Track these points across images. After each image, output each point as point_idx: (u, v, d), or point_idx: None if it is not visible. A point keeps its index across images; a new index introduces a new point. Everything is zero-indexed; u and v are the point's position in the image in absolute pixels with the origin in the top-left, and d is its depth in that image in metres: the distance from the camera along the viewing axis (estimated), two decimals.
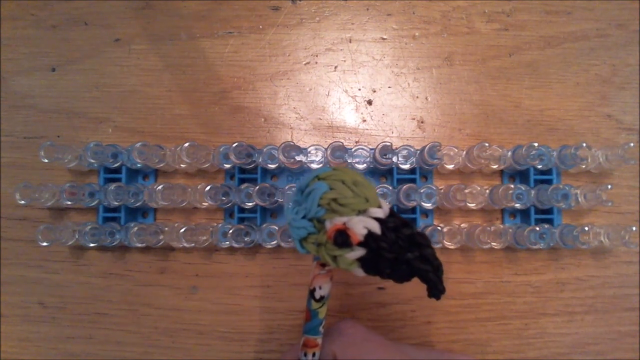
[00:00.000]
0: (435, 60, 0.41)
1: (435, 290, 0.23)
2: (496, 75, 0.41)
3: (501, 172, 0.39)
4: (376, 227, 0.23)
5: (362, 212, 0.23)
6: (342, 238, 0.23)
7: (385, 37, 0.41)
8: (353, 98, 0.40)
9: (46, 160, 0.35)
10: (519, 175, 0.39)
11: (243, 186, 0.36)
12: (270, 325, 0.38)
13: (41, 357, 0.38)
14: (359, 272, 0.24)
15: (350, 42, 0.41)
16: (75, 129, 0.40)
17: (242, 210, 0.38)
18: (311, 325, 0.27)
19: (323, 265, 0.26)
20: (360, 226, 0.23)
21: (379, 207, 0.24)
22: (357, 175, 0.24)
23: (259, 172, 0.37)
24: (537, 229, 0.35)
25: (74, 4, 0.41)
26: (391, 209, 0.24)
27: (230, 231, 0.36)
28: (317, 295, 0.26)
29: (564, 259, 0.38)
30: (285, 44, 0.41)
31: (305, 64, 0.41)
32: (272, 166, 0.37)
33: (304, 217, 0.24)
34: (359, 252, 0.23)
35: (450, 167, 0.37)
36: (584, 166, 0.37)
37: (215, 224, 0.36)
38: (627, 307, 0.38)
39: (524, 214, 0.38)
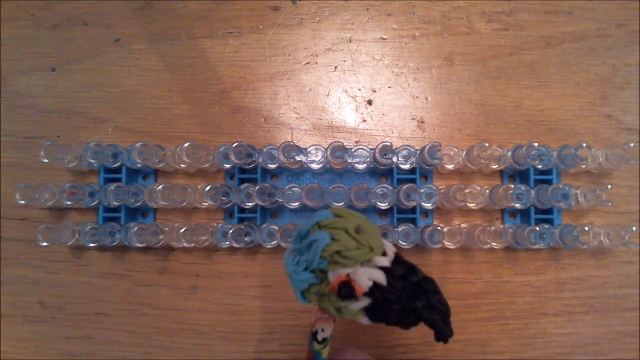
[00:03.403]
0: (435, 60, 0.41)
1: (444, 335, 0.23)
2: (496, 75, 0.41)
3: (501, 172, 0.39)
4: (382, 278, 0.22)
5: (366, 261, 0.23)
6: (347, 290, 0.22)
7: (385, 37, 0.41)
8: (353, 98, 0.40)
9: (46, 160, 0.35)
10: (519, 175, 0.39)
11: (243, 186, 0.36)
12: (270, 325, 0.38)
13: (41, 357, 0.38)
14: (365, 321, 0.23)
15: (350, 42, 0.41)
16: (75, 129, 0.40)
17: (242, 210, 0.38)
18: None
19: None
20: (365, 278, 0.22)
21: (384, 254, 0.23)
22: (360, 220, 0.23)
23: (259, 172, 0.37)
24: (537, 229, 0.35)
25: (74, 4, 0.41)
26: (396, 254, 0.24)
27: (230, 231, 0.36)
28: (320, 337, 0.25)
29: (564, 259, 0.38)
30: (285, 44, 0.41)
31: (305, 64, 0.41)
32: (272, 166, 0.37)
33: (305, 269, 0.23)
34: (364, 302, 0.22)
35: (450, 167, 0.37)
36: (584, 166, 0.37)
37: (215, 224, 0.36)
38: (627, 307, 0.38)
39: (524, 214, 0.38)
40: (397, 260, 0.23)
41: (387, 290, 0.22)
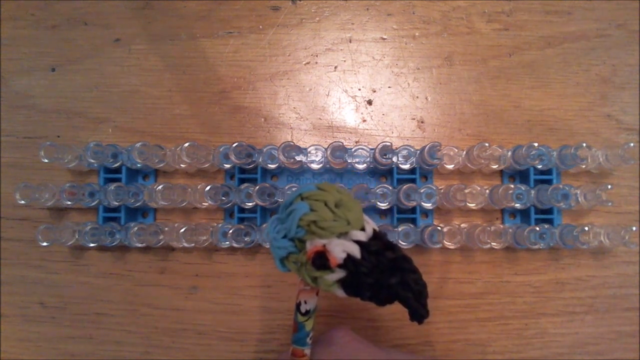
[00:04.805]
0: (435, 60, 0.41)
1: (417, 315, 0.23)
2: (496, 75, 0.41)
3: (501, 172, 0.39)
4: (356, 251, 0.23)
5: (343, 234, 0.23)
6: (321, 261, 0.22)
7: (385, 37, 0.41)
8: (353, 98, 0.40)
9: (46, 160, 0.35)
10: (519, 175, 0.39)
11: (243, 186, 0.36)
12: (270, 325, 0.38)
13: (41, 357, 0.38)
14: (340, 293, 0.23)
15: (350, 42, 0.41)
16: (75, 129, 0.40)
17: (242, 210, 0.38)
18: (298, 336, 0.27)
19: None
20: (339, 249, 0.22)
21: (362, 229, 0.23)
22: (342, 195, 0.24)
23: (259, 172, 0.37)
24: (537, 229, 0.35)
25: (74, 4, 0.41)
26: (376, 231, 0.24)
27: (230, 231, 0.36)
28: (303, 309, 0.26)
29: (564, 259, 0.38)
30: (285, 44, 0.41)
31: (305, 64, 0.41)
32: (272, 166, 0.37)
33: (284, 237, 0.24)
34: (339, 274, 0.23)
35: (450, 167, 0.37)
36: (584, 166, 0.37)
37: (215, 224, 0.36)
38: (627, 307, 0.38)
39: (524, 214, 0.38)
40: (376, 236, 0.24)
41: (360, 263, 0.22)
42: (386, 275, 0.23)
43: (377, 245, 0.23)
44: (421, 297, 0.23)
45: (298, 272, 0.24)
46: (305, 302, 0.26)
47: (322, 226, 0.23)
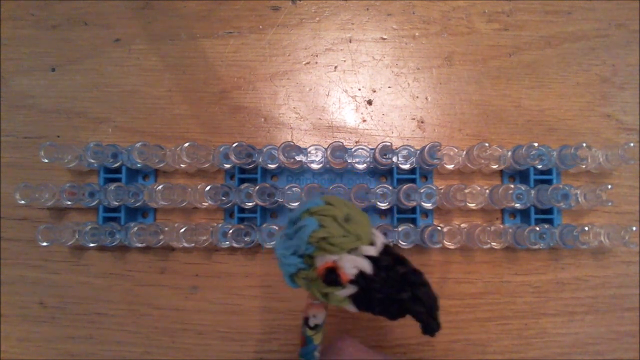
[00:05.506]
0: (435, 60, 0.41)
1: (429, 328, 0.23)
2: (496, 75, 0.41)
3: (501, 172, 0.39)
4: (367, 267, 0.22)
5: (354, 249, 0.23)
6: (332, 277, 0.22)
7: (385, 37, 0.41)
8: (353, 98, 0.40)
9: (46, 160, 0.35)
10: (519, 175, 0.39)
11: (243, 186, 0.36)
12: (270, 325, 0.38)
13: (41, 357, 0.38)
14: (351, 308, 0.23)
15: (350, 42, 0.41)
16: (75, 129, 0.40)
17: (242, 210, 0.38)
18: (306, 350, 0.26)
19: None
20: (351, 265, 0.22)
21: (372, 244, 0.23)
22: (350, 209, 0.24)
23: (259, 172, 0.37)
24: (537, 229, 0.35)
25: (74, 4, 0.41)
26: (386, 245, 0.24)
27: (230, 231, 0.36)
28: (312, 323, 0.26)
29: (564, 259, 0.38)
30: (285, 44, 0.41)
31: (305, 64, 0.41)
32: (272, 166, 0.37)
33: (293, 254, 0.23)
34: (350, 290, 0.22)
35: (450, 167, 0.37)
36: (584, 166, 0.37)
37: (215, 224, 0.36)
38: (627, 307, 0.38)
39: (524, 214, 0.38)
40: (386, 251, 0.23)
41: (371, 279, 0.22)
42: (397, 290, 0.22)
43: (388, 260, 0.23)
44: (432, 310, 0.23)
45: (308, 288, 0.24)
46: (314, 316, 0.26)
47: (333, 242, 0.22)
